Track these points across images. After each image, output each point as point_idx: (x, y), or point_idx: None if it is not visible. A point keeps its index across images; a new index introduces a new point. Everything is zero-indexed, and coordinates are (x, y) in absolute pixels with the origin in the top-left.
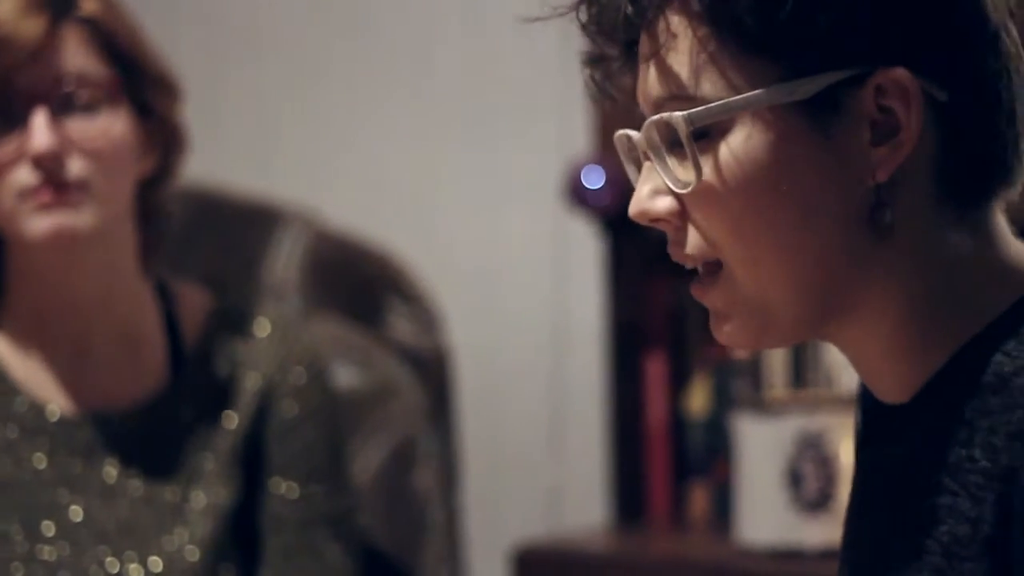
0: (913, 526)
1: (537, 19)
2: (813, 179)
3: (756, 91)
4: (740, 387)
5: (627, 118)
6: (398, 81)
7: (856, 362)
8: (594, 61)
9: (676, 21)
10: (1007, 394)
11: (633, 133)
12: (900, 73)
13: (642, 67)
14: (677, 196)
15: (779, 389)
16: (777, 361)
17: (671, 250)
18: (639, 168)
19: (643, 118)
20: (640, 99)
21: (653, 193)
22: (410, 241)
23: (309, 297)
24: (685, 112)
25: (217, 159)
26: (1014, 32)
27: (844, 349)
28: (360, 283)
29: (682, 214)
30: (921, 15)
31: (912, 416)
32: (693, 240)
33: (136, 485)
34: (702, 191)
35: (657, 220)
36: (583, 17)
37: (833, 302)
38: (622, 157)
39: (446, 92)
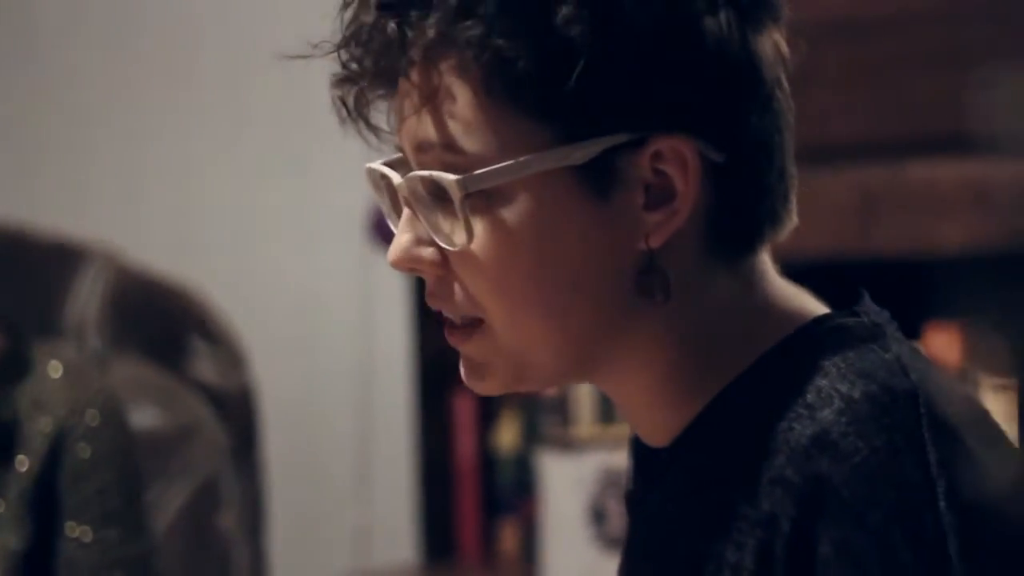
0: (679, 571)
1: (300, 56)
2: (586, 244)
3: (532, 155)
4: (548, 424)
5: (395, 162)
6: (209, 118)
7: (621, 407)
8: (345, 83)
9: (451, 79)
10: (767, 438)
11: (390, 173)
12: (678, 141)
13: (407, 107)
14: (440, 248)
15: (585, 426)
16: (584, 398)
17: (429, 300)
18: (393, 204)
19: (397, 149)
20: (403, 136)
21: (415, 242)
22: (216, 279)
23: (110, 337)
24: (459, 177)
25: (23, 198)
26: (785, 85)
27: (608, 393)
28: (163, 322)
29: (444, 265)
30: (698, 81)
31: (675, 461)
32: (457, 294)
33: None
34: (469, 253)
35: (416, 270)
36: (344, 56)
37: (595, 358)
38: (373, 190)
39: (256, 130)
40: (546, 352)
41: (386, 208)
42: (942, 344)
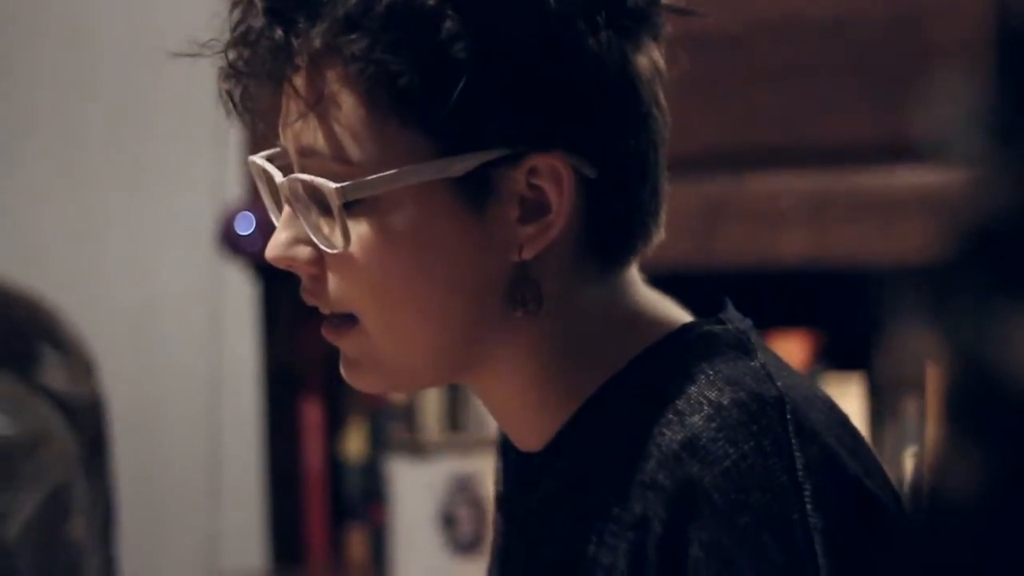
0: (552, 575)
1: (190, 55)
2: (460, 255)
3: (411, 166)
4: (395, 431)
5: (276, 156)
6: (54, 125)
7: (492, 410)
8: (232, 78)
9: (336, 88)
10: (638, 442)
11: (272, 170)
12: (555, 158)
13: (292, 111)
14: (318, 247)
15: (433, 432)
16: (431, 405)
17: (304, 295)
18: (273, 197)
19: (279, 143)
20: (286, 136)
21: (293, 241)
22: (64, 287)
23: None
24: (339, 185)
25: None
26: (662, 101)
27: (480, 396)
28: (10, 330)
29: (320, 264)
30: (576, 100)
31: (547, 465)
32: (332, 292)
33: None
34: (347, 255)
35: (293, 268)
36: (232, 56)
37: (467, 363)
38: (256, 179)
39: (102, 138)
40: (418, 355)
41: (267, 201)
42: (785, 352)
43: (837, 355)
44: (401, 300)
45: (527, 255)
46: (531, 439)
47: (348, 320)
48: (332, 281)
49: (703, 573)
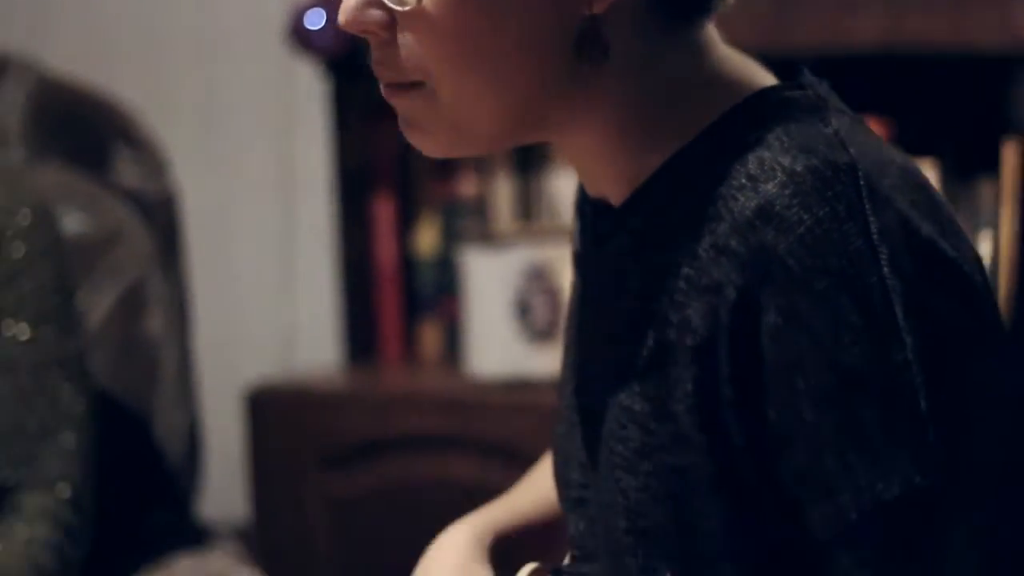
0: (624, 329)
1: None
2: (531, 9)
3: None
4: (467, 223)
5: None
6: None
7: (571, 161)
8: None
9: None
10: (710, 204)
11: None
12: None
13: None
14: (389, 9)
15: (505, 223)
16: (503, 195)
17: (374, 67)
18: None
19: None
20: None
21: (365, 4)
22: (135, 87)
23: (33, 144)
24: None
25: None
26: None
27: (559, 149)
28: (85, 129)
29: (391, 27)
30: None
31: (624, 218)
32: (404, 57)
33: None
34: (419, 12)
35: (365, 31)
36: None
37: (539, 119)
38: None
39: None
40: (488, 115)
41: None
42: None
43: (910, 141)
44: (474, 56)
45: (598, 8)
46: (609, 189)
47: (414, 83)
48: (404, 44)
49: (781, 338)
